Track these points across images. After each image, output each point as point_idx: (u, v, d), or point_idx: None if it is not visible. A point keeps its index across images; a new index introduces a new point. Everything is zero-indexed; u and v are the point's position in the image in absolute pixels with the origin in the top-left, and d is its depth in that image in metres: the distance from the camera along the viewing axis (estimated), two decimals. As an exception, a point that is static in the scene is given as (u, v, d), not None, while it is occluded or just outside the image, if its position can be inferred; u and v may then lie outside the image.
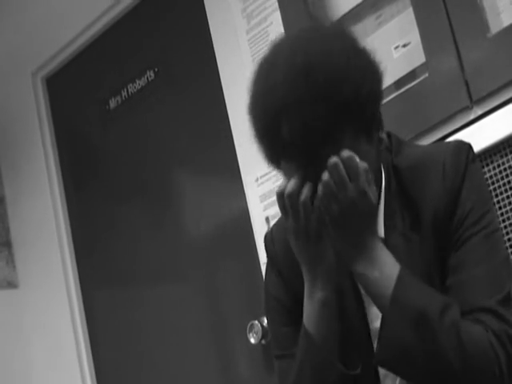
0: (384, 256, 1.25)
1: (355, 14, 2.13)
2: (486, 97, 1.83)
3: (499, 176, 1.78)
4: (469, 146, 1.33)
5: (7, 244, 3.27)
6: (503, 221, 1.76)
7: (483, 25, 1.85)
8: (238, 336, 2.55)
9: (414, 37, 1.97)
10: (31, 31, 3.21)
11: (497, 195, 1.77)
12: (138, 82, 2.93)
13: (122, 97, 2.99)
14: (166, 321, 2.82)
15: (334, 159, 1.20)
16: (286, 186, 1.24)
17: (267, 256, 1.49)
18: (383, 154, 1.34)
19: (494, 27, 1.84)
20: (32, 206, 3.23)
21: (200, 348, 2.72)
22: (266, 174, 2.42)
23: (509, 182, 1.76)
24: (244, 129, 1.31)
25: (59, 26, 3.12)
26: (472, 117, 1.86)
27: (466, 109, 1.86)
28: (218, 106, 2.58)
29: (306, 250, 1.29)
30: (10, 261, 3.26)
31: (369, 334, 1.33)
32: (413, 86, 1.97)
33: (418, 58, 1.97)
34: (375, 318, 1.32)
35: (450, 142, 1.37)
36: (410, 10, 1.98)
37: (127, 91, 2.97)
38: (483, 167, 1.79)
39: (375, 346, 1.25)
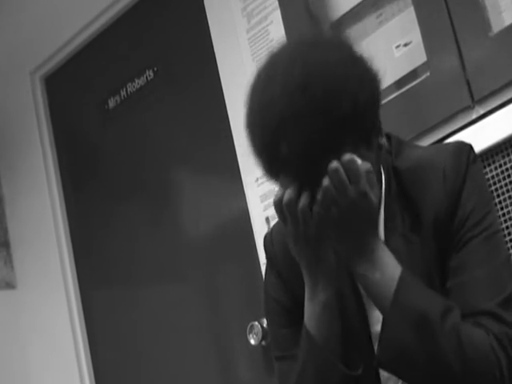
0: (386, 257, 1.25)
1: (356, 13, 2.13)
2: (487, 96, 1.82)
3: (501, 176, 1.77)
4: (469, 147, 1.33)
5: (5, 244, 3.27)
6: (505, 221, 1.76)
7: (485, 24, 1.84)
8: (238, 337, 2.54)
9: (415, 36, 1.97)
10: (29, 30, 3.20)
11: (498, 195, 1.77)
12: (137, 81, 2.92)
13: (121, 96, 2.99)
14: (165, 321, 2.82)
15: (334, 164, 1.18)
16: (283, 194, 1.23)
17: (266, 257, 1.48)
18: (383, 155, 1.33)
19: (496, 26, 1.84)
20: (30, 205, 3.22)
21: (200, 349, 2.72)
22: (266, 174, 2.41)
23: (511, 182, 1.76)
24: (244, 129, 1.29)
25: (58, 25, 3.11)
26: (474, 116, 1.85)
27: (468, 108, 1.86)
28: (218, 106, 2.57)
29: (306, 255, 1.28)
30: (8, 261, 3.25)
31: (369, 337, 1.32)
32: (414, 86, 1.96)
33: (419, 57, 1.96)
34: (376, 322, 1.31)
35: (450, 143, 1.37)
36: (411, 9, 1.98)
37: (126, 91, 2.96)
38: (485, 167, 1.78)
39: (376, 348, 1.24)
